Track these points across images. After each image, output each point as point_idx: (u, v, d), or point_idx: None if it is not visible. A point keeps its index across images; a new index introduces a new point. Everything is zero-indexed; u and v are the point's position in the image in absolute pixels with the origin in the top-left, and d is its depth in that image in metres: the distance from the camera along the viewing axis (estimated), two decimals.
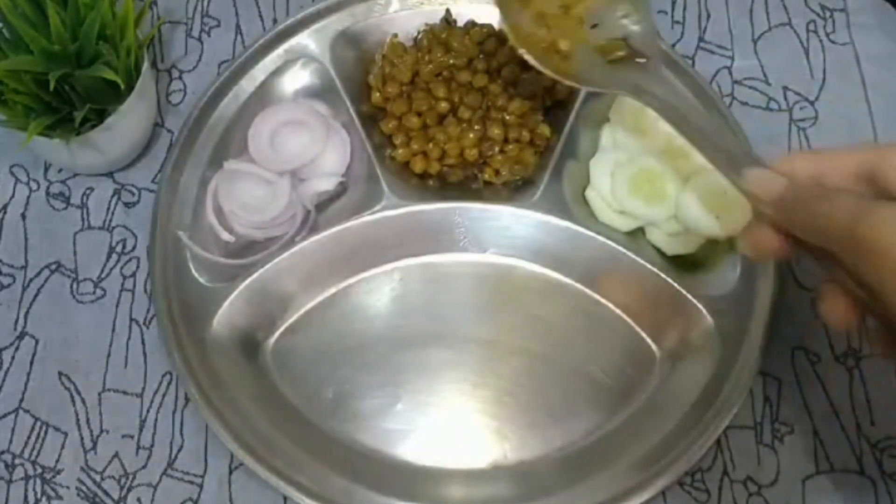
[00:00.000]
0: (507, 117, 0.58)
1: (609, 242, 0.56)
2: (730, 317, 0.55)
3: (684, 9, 0.67)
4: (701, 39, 0.66)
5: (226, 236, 0.58)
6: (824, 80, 0.65)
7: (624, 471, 0.52)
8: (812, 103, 0.64)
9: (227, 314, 0.55)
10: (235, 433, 0.52)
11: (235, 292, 0.55)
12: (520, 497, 0.52)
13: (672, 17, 0.66)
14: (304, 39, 0.62)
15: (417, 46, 0.60)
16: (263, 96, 0.62)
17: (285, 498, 0.53)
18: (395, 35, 0.62)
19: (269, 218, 0.58)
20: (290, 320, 0.58)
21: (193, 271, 0.57)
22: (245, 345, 0.56)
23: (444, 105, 0.58)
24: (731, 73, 0.65)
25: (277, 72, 0.62)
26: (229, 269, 0.57)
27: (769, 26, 0.66)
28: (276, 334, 0.57)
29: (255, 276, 0.56)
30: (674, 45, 0.64)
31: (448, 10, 0.61)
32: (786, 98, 0.64)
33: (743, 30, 0.66)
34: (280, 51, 0.62)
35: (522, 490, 0.53)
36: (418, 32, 0.62)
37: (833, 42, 0.66)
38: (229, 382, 0.54)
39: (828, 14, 0.67)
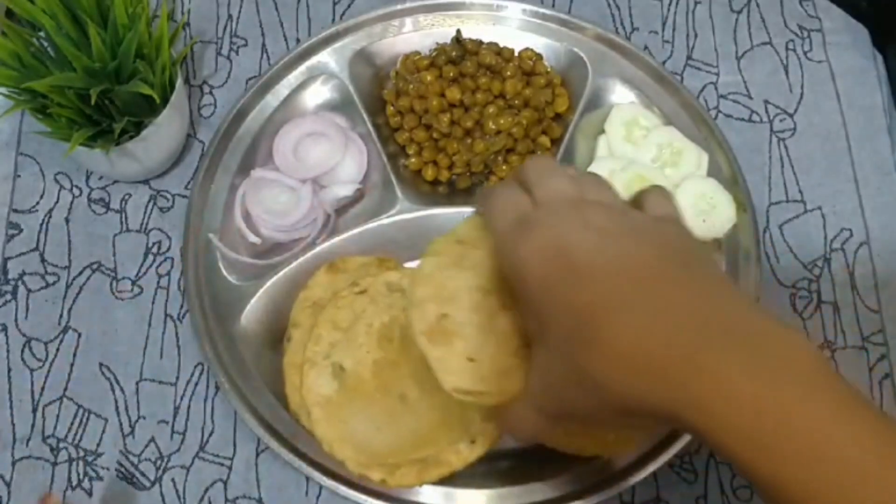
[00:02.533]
0: (513, 130, 0.59)
1: None
2: None
3: (674, 29, 0.68)
4: (689, 57, 0.67)
5: (252, 238, 0.59)
6: (802, 94, 0.66)
7: None
8: (791, 116, 0.65)
9: (254, 310, 0.57)
10: (262, 419, 0.54)
11: (262, 290, 0.57)
12: (515, 480, 0.53)
13: (662, 36, 0.68)
14: (325, 57, 0.63)
15: (429, 64, 0.62)
16: (287, 110, 0.63)
17: (307, 478, 0.54)
18: (409, 54, 0.63)
19: (292, 222, 0.59)
20: None
21: (223, 270, 0.58)
22: (270, 338, 0.57)
23: (448, 119, 0.60)
24: (716, 88, 0.66)
25: (300, 87, 0.63)
26: (256, 269, 0.58)
27: (752, 45, 0.67)
28: None
29: (279, 275, 0.57)
30: (664, 63, 0.66)
31: (458, 31, 0.62)
32: (767, 111, 0.65)
33: (727, 48, 0.67)
34: (302, 68, 0.63)
35: (518, 473, 0.54)
36: (430, 52, 0.63)
37: (810, 59, 0.67)
38: (256, 372, 0.55)
39: (805, 34, 0.68)
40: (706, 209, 0.59)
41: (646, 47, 0.67)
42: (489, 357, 0.45)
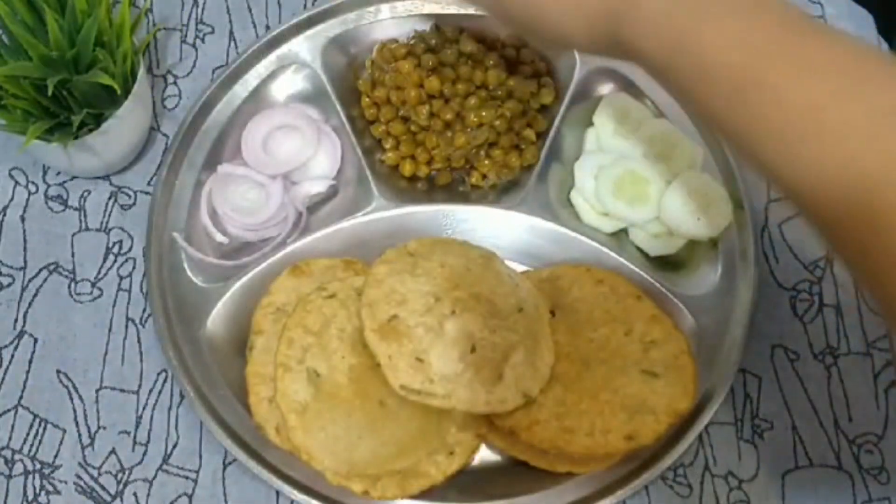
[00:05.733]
0: (496, 122, 0.58)
1: (593, 243, 0.57)
2: (711, 316, 0.56)
3: None
4: None
5: (220, 238, 0.59)
6: None
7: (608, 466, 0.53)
8: None
9: (221, 314, 0.56)
10: (229, 429, 0.53)
11: (229, 292, 0.56)
12: (499, 495, 0.53)
13: None
14: (296, 46, 0.63)
15: (407, 53, 0.61)
16: (257, 101, 0.62)
17: (278, 493, 0.53)
18: (385, 42, 0.62)
19: (262, 220, 0.59)
20: None
21: (188, 272, 0.58)
22: (238, 343, 0.56)
23: (427, 111, 0.59)
24: None
25: (270, 77, 0.62)
26: (223, 270, 0.58)
27: None
28: None
29: (248, 276, 0.56)
30: None
31: (437, 18, 0.61)
32: None
33: None
34: (272, 57, 0.62)
35: (502, 489, 0.53)
36: (408, 39, 0.62)
37: None
38: (223, 380, 0.54)
39: None
40: (701, 206, 0.57)
41: None
42: (437, 359, 0.49)
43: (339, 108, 0.61)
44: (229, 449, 0.52)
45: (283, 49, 0.63)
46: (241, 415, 0.53)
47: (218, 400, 0.54)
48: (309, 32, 0.63)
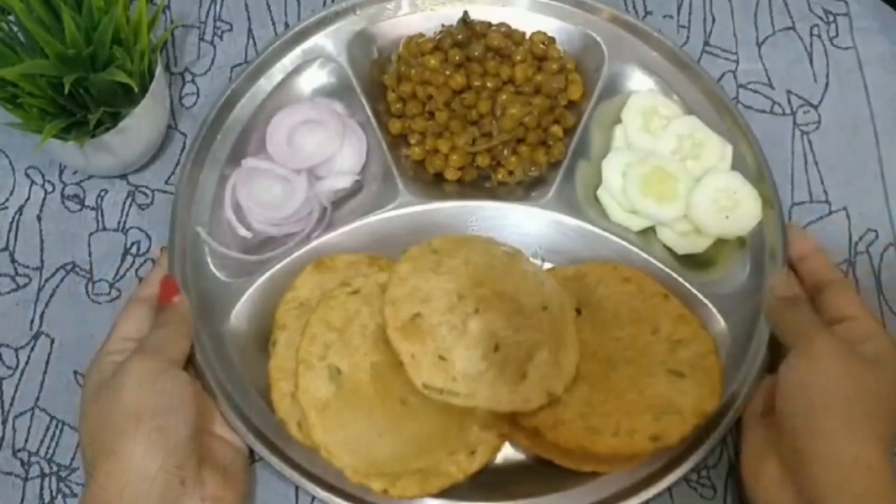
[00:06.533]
0: (525, 118, 0.58)
1: (620, 241, 0.57)
2: (738, 315, 0.55)
3: (690, 13, 0.66)
4: (706, 43, 0.65)
5: (243, 232, 0.58)
6: (827, 84, 0.64)
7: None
8: (815, 108, 0.63)
9: (244, 309, 0.56)
10: (251, 425, 0.52)
11: (252, 287, 0.56)
12: (533, 492, 0.52)
13: (678, 21, 0.66)
14: (321, 40, 0.62)
15: (434, 48, 0.60)
16: (281, 96, 0.62)
17: (297, 489, 0.53)
18: (412, 36, 0.62)
19: (286, 215, 0.58)
20: None
21: (212, 267, 0.57)
22: (261, 338, 0.55)
23: (456, 106, 0.58)
24: (735, 77, 0.64)
25: (295, 72, 0.62)
26: (247, 265, 0.57)
27: (773, 30, 0.66)
28: None
29: (271, 271, 0.56)
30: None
31: (465, 13, 0.61)
32: (790, 102, 0.64)
33: (747, 34, 0.66)
34: (297, 51, 0.62)
35: (525, 488, 0.53)
36: (435, 34, 0.61)
37: (836, 46, 0.65)
38: (246, 375, 0.54)
39: (831, 18, 0.66)
40: (730, 205, 0.57)
41: (660, 32, 0.64)
42: (460, 357, 0.49)
43: (364, 102, 0.60)
44: (252, 445, 0.52)
45: (309, 43, 0.62)
46: (264, 410, 0.53)
47: (240, 395, 0.53)
48: (334, 27, 0.63)
